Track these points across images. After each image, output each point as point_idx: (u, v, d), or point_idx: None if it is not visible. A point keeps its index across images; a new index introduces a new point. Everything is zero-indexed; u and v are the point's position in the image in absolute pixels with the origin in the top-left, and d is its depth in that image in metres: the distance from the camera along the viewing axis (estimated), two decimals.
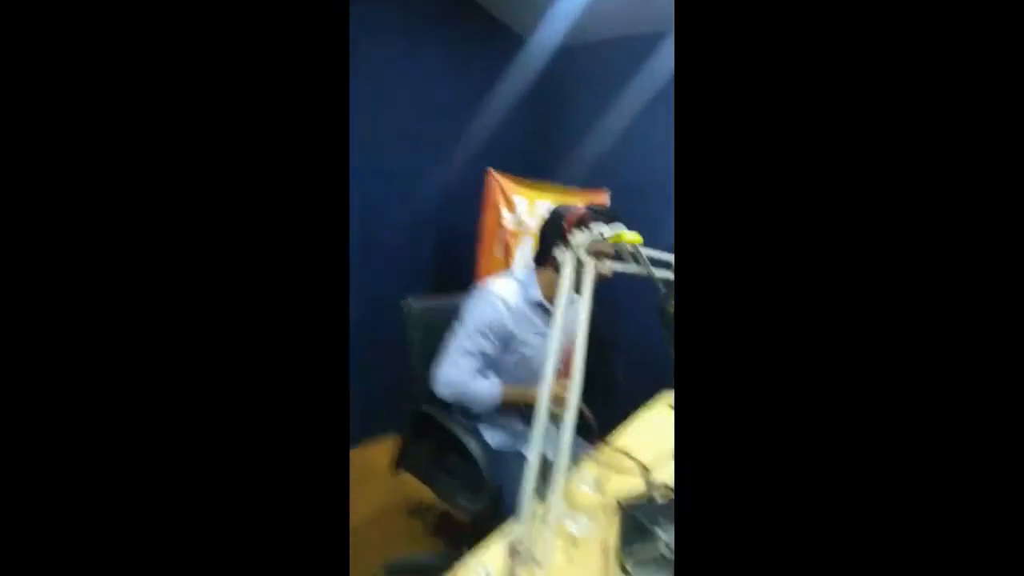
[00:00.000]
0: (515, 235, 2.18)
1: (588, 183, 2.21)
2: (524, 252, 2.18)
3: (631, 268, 0.69)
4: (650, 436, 1.19)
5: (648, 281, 0.97)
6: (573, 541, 0.75)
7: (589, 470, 0.85)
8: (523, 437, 1.23)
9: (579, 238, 0.61)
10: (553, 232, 1.14)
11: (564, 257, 0.63)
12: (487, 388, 1.14)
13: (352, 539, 1.54)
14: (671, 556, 0.69)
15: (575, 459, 0.87)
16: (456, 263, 2.31)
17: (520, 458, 1.16)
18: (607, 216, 1.01)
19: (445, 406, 1.22)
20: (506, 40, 2.42)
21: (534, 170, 2.25)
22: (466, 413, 1.22)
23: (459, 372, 1.12)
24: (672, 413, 1.42)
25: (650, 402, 1.49)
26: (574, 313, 0.67)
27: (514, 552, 0.63)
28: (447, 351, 1.16)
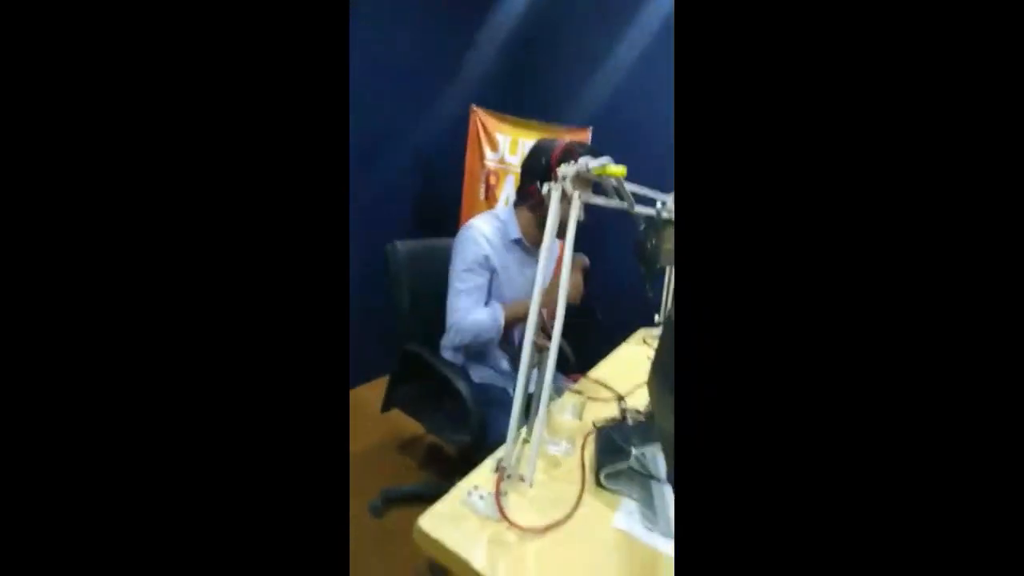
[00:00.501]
0: (497, 173, 2.14)
1: (568, 118, 2.15)
2: (507, 191, 2.15)
3: (613, 203, 0.69)
4: (626, 369, 1.25)
5: (628, 218, 0.98)
6: (555, 462, 0.80)
7: (569, 400, 0.90)
8: (507, 375, 1.28)
9: (566, 169, 0.61)
10: (536, 166, 1.12)
11: (550, 189, 0.63)
12: (487, 316, 1.15)
13: (351, 471, 1.61)
14: (639, 468, 0.75)
15: (557, 391, 0.91)
16: (442, 205, 2.27)
17: (503, 393, 1.21)
18: (591, 151, 0.99)
19: (431, 345, 1.24)
20: None
21: (518, 111, 2.17)
22: (455, 353, 1.25)
23: (461, 314, 1.13)
24: (645, 347, 1.48)
25: (628, 339, 1.55)
26: (552, 253, 0.68)
27: (501, 470, 0.67)
28: (448, 302, 1.16)
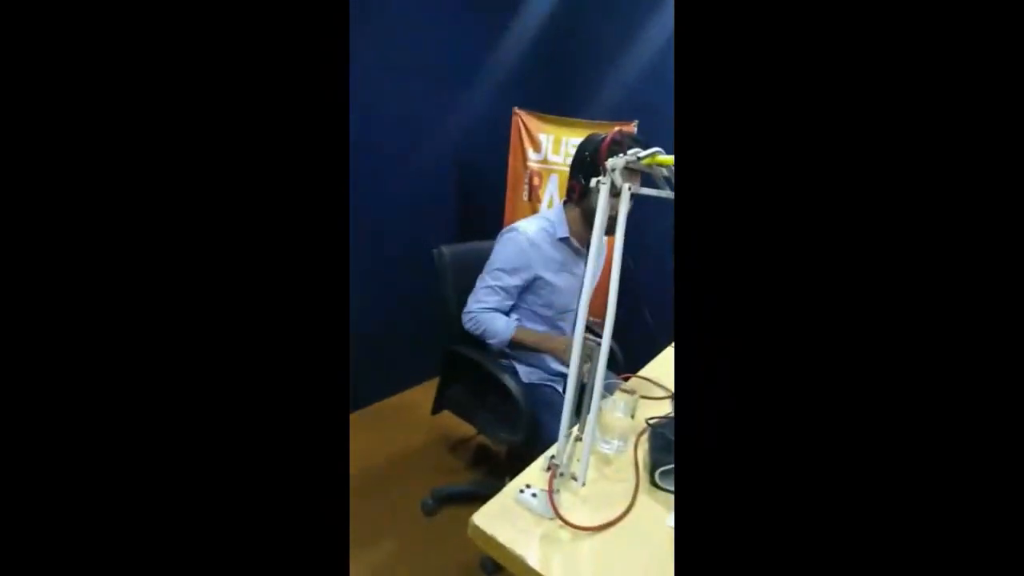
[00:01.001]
0: (540, 174, 2.14)
1: (611, 114, 2.11)
2: (550, 190, 2.14)
3: (664, 193, 0.67)
4: None
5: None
6: (607, 460, 0.79)
7: (621, 398, 0.88)
8: (556, 376, 1.27)
9: (615, 161, 0.60)
10: (584, 161, 1.11)
11: (599, 181, 0.61)
12: (502, 324, 1.19)
13: (401, 471, 1.66)
14: None
15: (608, 389, 0.89)
16: (485, 206, 2.29)
17: (553, 393, 1.20)
18: (638, 142, 0.97)
19: (480, 345, 1.26)
20: None
21: (557, 109, 2.16)
22: (503, 353, 1.26)
23: (481, 306, 1.18)
24: None
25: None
26: (601, 250, 0.67)
27: (554, 468, 0.67)
28: (474, 290, 1.21)
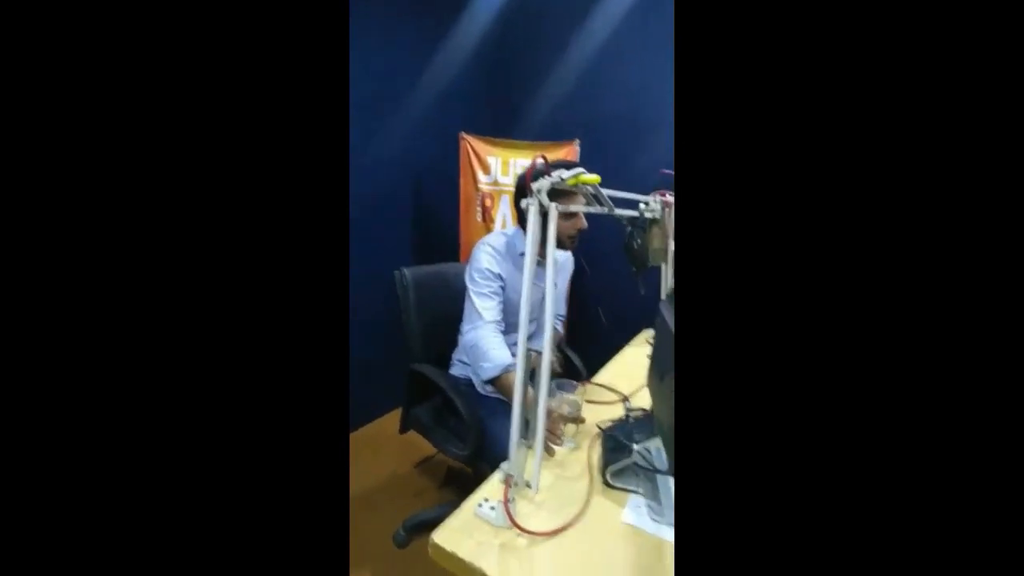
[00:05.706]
0: (492, 195, 2.19)
1: (554, 134, 2.20)
2: (503, 210, 2.19)
3: (593, 208, 0.73)
4: (630, 370, 1.26)
5: (617, 223, 1.01)
6: (560, 463, 0.82)
7: (567, 399, 0.92)
8: None
9: (540, 183, 0.64)
10: (521, 186, 1.17)
11: (528, 203, 0.66)
12: (501, 360, 1.12)
13: (372, 503, 1.63)
14: (643, 463, 0.76)
15: (562, 388, 0.93)
16: (441, 230, 2.32)
17: (506, 404, 1.23)
18: (569, 164, 1.03)
19: (437, 363, 1.28)
20: None
21: (502, 132, 2.23)
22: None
23: (485, 323, 1.17)
24: (649, 347, 1.49)
25: (632, 340, 1.57)
26: (560, 265, 0.71)
27: (508, 478, 0.69)
28: (469, 304, 1.22)
